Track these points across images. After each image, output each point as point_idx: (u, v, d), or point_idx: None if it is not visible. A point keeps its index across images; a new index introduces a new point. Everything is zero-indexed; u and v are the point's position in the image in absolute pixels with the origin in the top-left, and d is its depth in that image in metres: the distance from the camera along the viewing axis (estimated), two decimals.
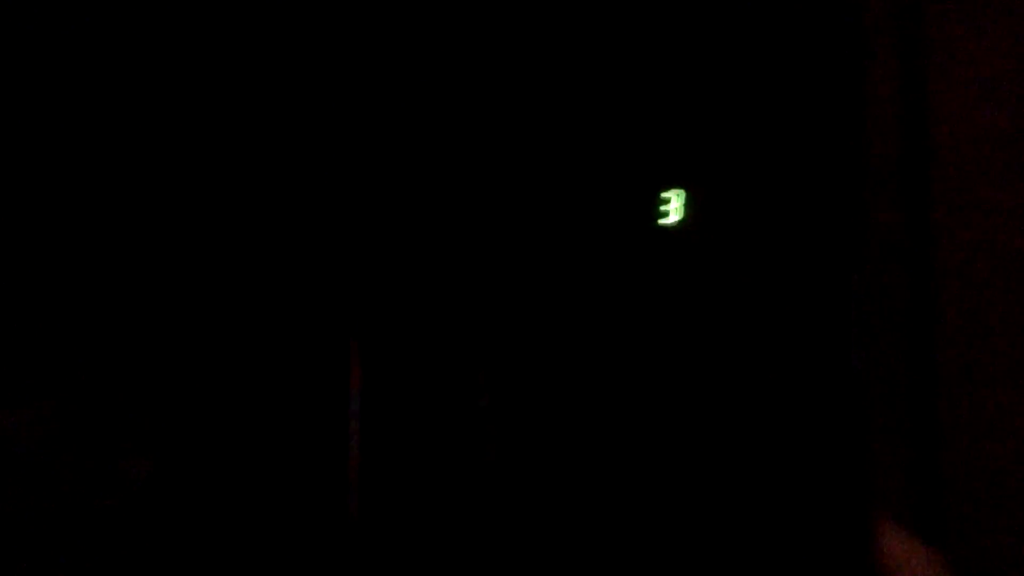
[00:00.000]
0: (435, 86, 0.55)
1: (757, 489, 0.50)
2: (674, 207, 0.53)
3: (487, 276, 0.53)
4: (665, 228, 0.54)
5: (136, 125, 0.60)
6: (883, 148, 0.98)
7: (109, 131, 0.62)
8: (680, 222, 0.54)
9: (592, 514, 0.50)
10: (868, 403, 0.84)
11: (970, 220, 0.98)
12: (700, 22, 0.58)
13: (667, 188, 0.54)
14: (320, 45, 0.59)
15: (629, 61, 0.56)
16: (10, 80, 0.62)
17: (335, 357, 0.55)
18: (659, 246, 0.54)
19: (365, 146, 0.57)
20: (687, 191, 0.54)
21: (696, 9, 0.58)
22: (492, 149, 0.55)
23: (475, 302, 0.53)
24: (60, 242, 0.61)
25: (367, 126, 0.58)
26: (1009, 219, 0.98)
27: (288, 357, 0.56)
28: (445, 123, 0.56)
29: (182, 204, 0.59)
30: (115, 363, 0.60)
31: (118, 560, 0.63)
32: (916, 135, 0.98)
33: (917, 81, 1.00)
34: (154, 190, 0.59)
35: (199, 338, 0.59)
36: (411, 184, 0.55)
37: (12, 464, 0.59)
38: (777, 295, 0.55)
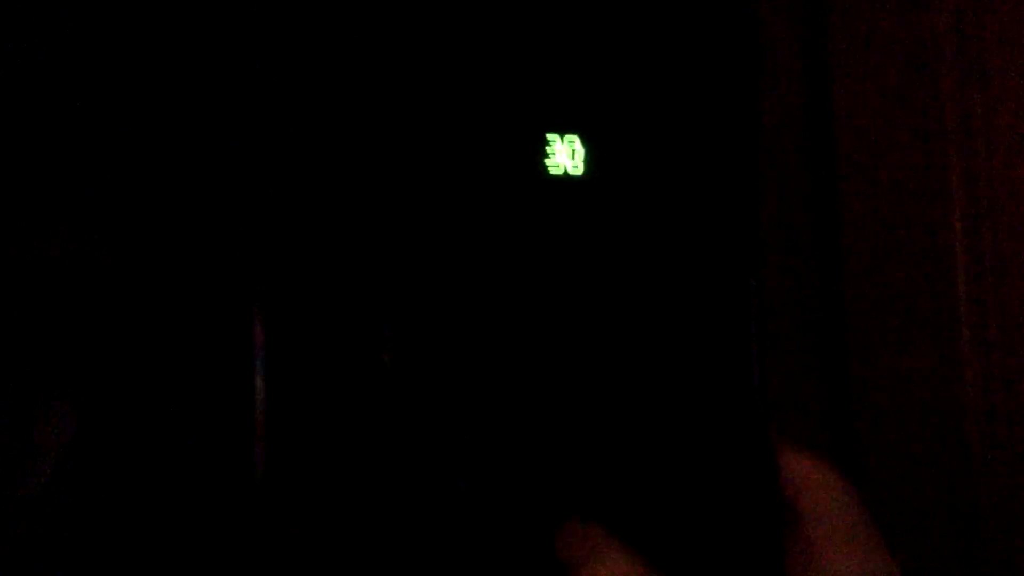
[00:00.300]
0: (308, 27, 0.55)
1: (655, 425, 0.51)
2: (569, 158, 0.53)
3: (389, 232, 0.53)
4: (560, 180, 0.54)
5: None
6: (782, 118, 1.01)
7: None
8: (579, 176, 0.55)
9: (495, 470, 0.51)
10: (773, 335, 0.86)
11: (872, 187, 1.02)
12: None
13: (557, 133, 0.54)
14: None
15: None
16: None
17: (238, 313, 0.55)
18: (552, 199, 0.54)
19: (237, 90, 0.56)
20: (587, 143, 0.54)
21: None
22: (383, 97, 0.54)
23: (377, 261, 0.53)
24: None
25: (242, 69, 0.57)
26: (909, 188, 1.01)
27: (193, 314, 0.55)
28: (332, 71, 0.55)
29: (85, 154, 0.58)
30: (18, 322, 0.59)
31: (33, 543, 0.62)
32: (816, 106, 1.01)
33: (817, 56, 1.03)
34: (46, 140, 0.58)
35: (104, 297, 0.58)
36: (297, 133, 0.54)
37: None
38: (676, 255, 0.56)
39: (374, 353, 0.55)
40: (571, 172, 0.53)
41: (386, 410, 0.54)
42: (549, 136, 0.52)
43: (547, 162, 0.53)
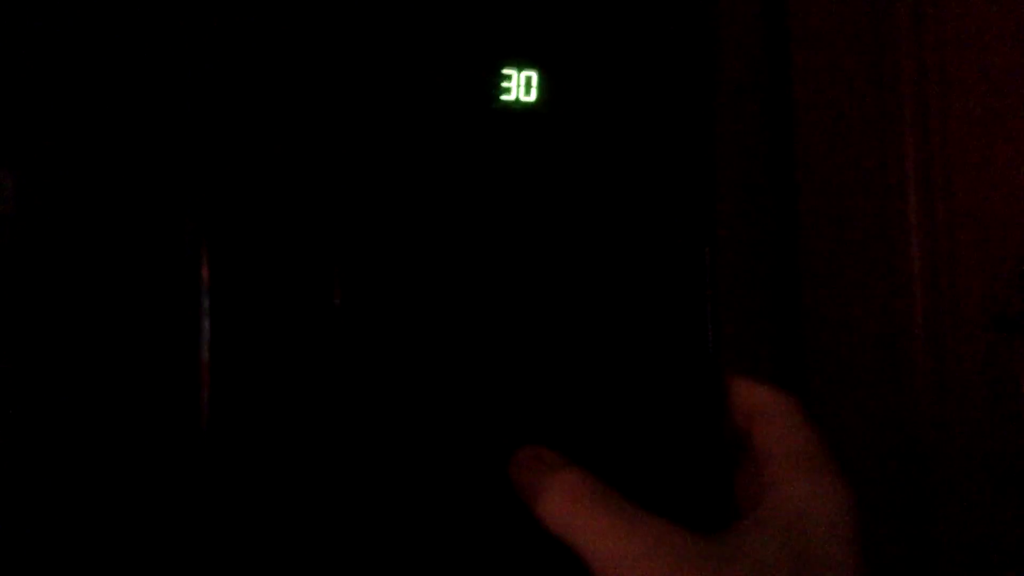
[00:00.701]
0: None
1: (609, 357, 0.51)
2: (523, 90, 0.52)
3: (341, 165, 0.52)
4: (511, 110, 0.53)
5: None
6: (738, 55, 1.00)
7: None
8: (532, 104, 0.54)
9: (448, 407, 0.50)
10: (725, 269, 0.86)
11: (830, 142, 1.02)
12: None
13: (511, 63, 0.53)
14: None
15: None
16: None
17: (183, 251, 0.53)
18: (502, 130, 0.52)
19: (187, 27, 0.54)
20: (541, 70, 0.53)
21: None
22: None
23: (326, 195, 0.52)
24: None
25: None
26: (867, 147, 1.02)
27: (133, 250, 0.54)
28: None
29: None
30: None
31: None
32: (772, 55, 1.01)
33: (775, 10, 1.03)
34: None
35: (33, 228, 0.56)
36: (246, 66, 0.52)
37: None
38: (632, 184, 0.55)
39: (324, 294, 0.54)
40: (523, 101, 0.52)
41: (336, 351, 0.53)
42: (503, 68, 0.51)
43: (500, 94, 0.52)
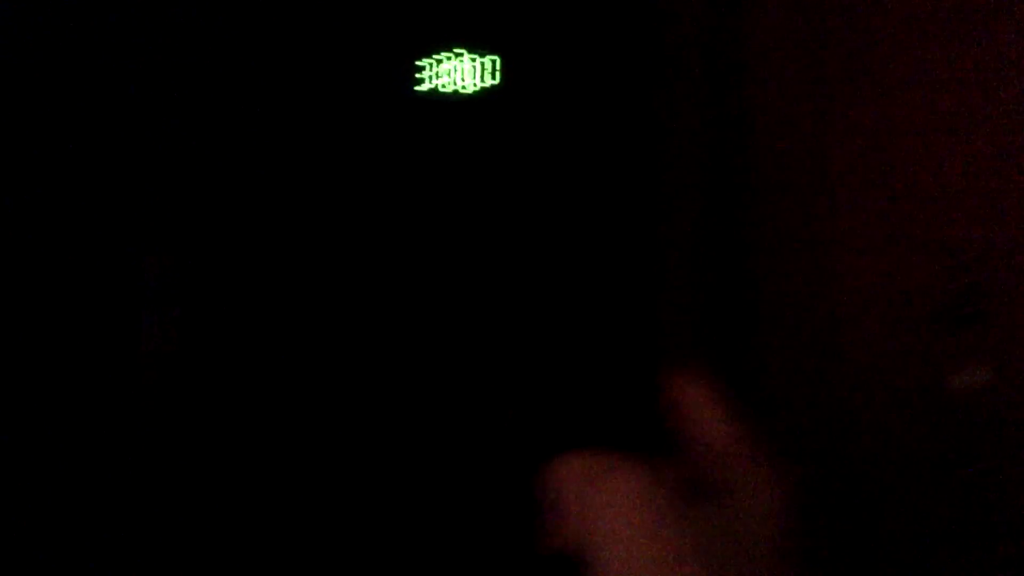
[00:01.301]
0: None
1: (546, 343, 0.52)
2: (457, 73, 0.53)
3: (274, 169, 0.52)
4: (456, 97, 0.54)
5: None
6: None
7: None
8: (486, 90, 0.54)
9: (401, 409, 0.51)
10: (667, 261, 0.88)
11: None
12: None
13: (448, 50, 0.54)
14: None
15: None
16: None
17: (130, 263, 0.53)
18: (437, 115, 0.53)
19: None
20: (501, 55, 0.54)
21: None
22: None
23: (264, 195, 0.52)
24: None
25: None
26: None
27: (81, 258, 0.53)
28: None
29: None
30: None
31: None
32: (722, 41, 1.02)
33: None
34: None
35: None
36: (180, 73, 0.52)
37: None
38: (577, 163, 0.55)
39: (274, 301, 0.54)
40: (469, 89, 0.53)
41: (287, 355, 0.54)
42: (437, 54, 0.52)
43: (432, 82, 0.52)
